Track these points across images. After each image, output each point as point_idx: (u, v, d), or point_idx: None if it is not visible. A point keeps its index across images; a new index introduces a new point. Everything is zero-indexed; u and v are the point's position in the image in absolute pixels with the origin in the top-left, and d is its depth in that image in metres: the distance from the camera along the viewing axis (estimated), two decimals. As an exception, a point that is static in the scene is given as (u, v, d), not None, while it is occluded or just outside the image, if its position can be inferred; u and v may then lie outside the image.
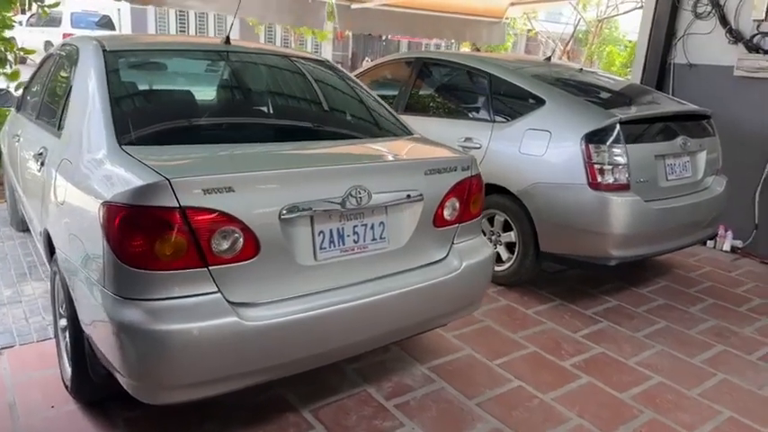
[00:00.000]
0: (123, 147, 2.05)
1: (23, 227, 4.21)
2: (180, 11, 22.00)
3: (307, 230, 2.05)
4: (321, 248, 2.09)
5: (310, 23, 7.92)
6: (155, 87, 2.75)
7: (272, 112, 2.83)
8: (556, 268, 4.30)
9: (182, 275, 1.83)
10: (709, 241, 5.09)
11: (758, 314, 3.81)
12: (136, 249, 1.78)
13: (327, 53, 26.26)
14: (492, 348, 3.13)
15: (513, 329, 3.36)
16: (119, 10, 19.63)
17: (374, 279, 2.22)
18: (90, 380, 2.25)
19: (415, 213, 2.34)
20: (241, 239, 1.89)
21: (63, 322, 2.43)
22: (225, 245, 1.87)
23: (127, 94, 2.47)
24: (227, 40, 2.89)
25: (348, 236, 2.15)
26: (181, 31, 22.76)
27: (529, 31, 20.03)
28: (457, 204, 2.46)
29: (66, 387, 2.47)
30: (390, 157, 2.54)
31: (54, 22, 16.75)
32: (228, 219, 1.85)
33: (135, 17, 21.05)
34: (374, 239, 2.22)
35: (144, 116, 2.44)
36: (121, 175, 1.90)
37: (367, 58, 24.90)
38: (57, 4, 5.79)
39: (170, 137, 2.33)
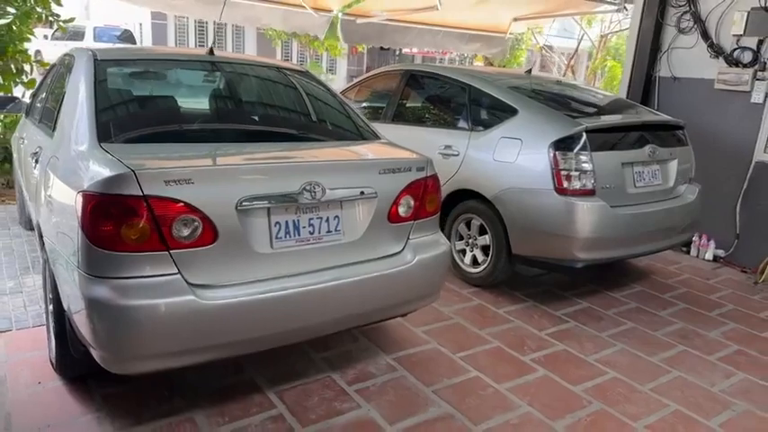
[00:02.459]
0: (102, 144, 2.29)
1: (30, 225, 4.49)
2: (199, 24, 22.66)
3: (263, 221, 2.26)
4: (277, 238, 2.29)
5: (311, 31, 8.26)
6: (137, 93, 2.98)
7: (245, 116, 3.06)
8: (534, 272, 4.45)
9: (145, 257, 2.05)
10: (692, 250, 5.21)
11: (728, 319, 3.91)
12: (105, 233, 2.01)
13: (342, 68, 26.76)
14: (457, 343, 3.29)
15: (481, 326, 3.52)
16: (140, 24, 20.30)
17: (328, 268, 2.41)
18: (71, 356, 2.47)
19: (370, 209, 2.53)
20: (200, 227, 2.10)
21: (51, 306, 2.66)
22: (185, 231, 2.08)
23: (111, 99, 2.70)
24: (211, 51, 3.14)
25: (304, 227, 2.35)
26: (200, 44, 23.36)
27: (544, 46, 20.20)
28: (412, 202, 2.66)
29: (53, 365, 2.69)
30: (346, 157, 2.75)
31: (78, 36, 17.40)
32: (188, 208, 2.07)
33: (156, 31, 21.71)
34: (329, 231, 2.42)
35: (124, 119, 2.68)
36: (96, 168, 2.13)
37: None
38: (72, 20, 6.14)
39: (147, 137, 2.56)
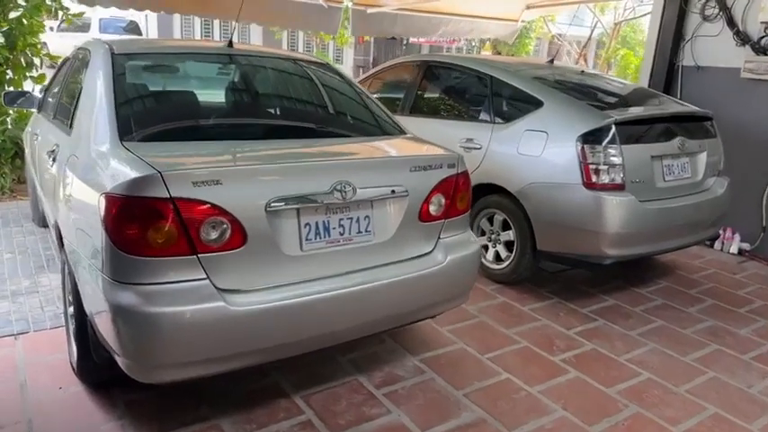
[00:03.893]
0: (124, 143, 2.20)
1: (44, 222, 4.42)
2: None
3: (293, 222, 2.17)
4: (307, 240, 2.20)
5: (324, 29, 8.08)
6: (157, 88, 2.90)
7: (267, 111, 2.96)
8: (558, 268, 4.35)
9: (173, 262, 1.96)
10: (716, 244, 5.10)
11: (758, 315, 3.81)
12: (130, 237, 1.92)
13: (349, 58, 26.57)
14: (484, 343, 3.20)
15: (508, 325, 3.43)
16: (146, 15, 20.14)
17: (359, 270, 2.32)
18: (93, 362, 2.39)
19: (401, 208, 2.44)
20: (229, 229, 2.01)
21: (72, 309, 2.58)
22: (213, 234, 1.99)
23: (130, 94, 2.61)
24: (230, 43, 3.04)
25: (334, 228, 2.26)
26: (206, 36, 23.20)
27: (556, 34, 19.98)
28: (443, 200, 2.56)
29: (74, 370, 2.62)
30: (376, 155, 2.65)
31: (84, 27, 17.22)
32: (216, 210, 1.98)
33: (161, 22, 21.54)
34: (360, 232, 2.33)
35: (145, 115, 2.59)
36: (120, 169, 2.04)
37: (388, 63, 24.98)
38: (81, 14, 6.05)
39: (169, 134, 2.47)
